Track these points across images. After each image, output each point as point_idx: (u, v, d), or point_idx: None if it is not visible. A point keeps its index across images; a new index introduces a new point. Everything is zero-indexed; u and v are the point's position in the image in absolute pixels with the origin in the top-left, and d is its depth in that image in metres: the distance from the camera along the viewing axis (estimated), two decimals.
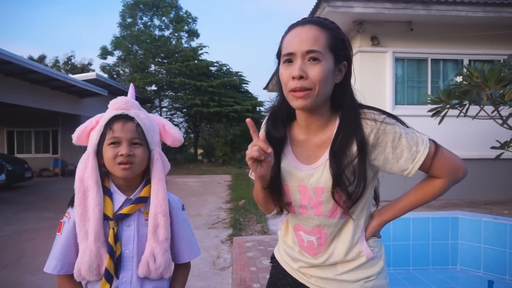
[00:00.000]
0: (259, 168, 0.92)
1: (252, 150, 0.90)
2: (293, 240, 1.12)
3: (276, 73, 1.02)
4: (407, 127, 0.98)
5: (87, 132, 1.13)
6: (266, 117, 1.11)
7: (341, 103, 0.99)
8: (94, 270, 1.02)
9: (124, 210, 1.07)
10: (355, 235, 1.03)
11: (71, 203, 1.10)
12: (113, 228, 1.05)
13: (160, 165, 1.11)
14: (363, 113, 0.97)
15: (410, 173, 0.96)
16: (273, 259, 1.23)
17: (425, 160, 0.94)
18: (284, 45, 0.97)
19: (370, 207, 1.07)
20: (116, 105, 1.10)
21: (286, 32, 0.99)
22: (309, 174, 1.00)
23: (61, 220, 1.11)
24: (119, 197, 1.09)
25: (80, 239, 1.04)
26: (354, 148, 0.94)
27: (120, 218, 1.07)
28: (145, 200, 1.10)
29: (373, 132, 0.94)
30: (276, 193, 1.05)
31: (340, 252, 1.04)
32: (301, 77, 0.91)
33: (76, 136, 1.14)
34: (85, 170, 1.07)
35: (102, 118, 1.11)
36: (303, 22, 0.97)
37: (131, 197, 1.09)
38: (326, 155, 0.98)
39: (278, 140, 1.05)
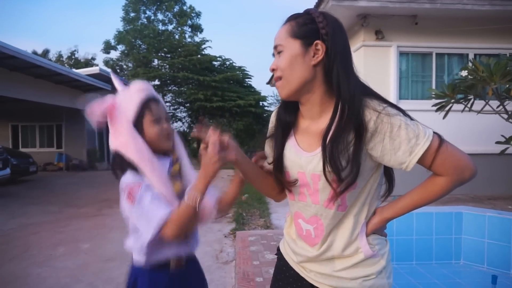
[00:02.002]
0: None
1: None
2: (294, 229, 1.13)
3: None
4: (411, 119, 0.95)
5: (105, 109, 1.21)
6: (280, 103, 1.15)
7: (337, 86, 0.95)
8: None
9: (175, 168, 1.31)
10: (354, 231, 1.02)
11: (124, 165, 1.20)
12: (177, 183, 1.28)
13: (177, 134, 1.37)
14: (364, 100, 0.94)
15: (408, 167, 0.92)
16: (278, 251, 1.24)
17: (425, 154, 0.90)
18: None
19: (374, 204, 1.04)
20: (145, 88, 1.27)
21: None
22: (308, 160, 1.00)
23: (131, 192, 1.15)
24: (165, 161, 1.28)
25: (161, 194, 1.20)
26: (351, 134, 0.92)
27: (175, 175, 1.30)
28: (178, 159, 1.33)
29: (373, 119, 0.91)
30: (280, 175, 1.08)
31: (338, 246, 1.02)
32: (273, 70, 1.01)
33: (99, 112, 1.21)
34: (138, 147, 1.19)
35: (132, 99, 1.22)
36: (284, 23, 1.03)
37: (174, 159, 1.31)
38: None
39: (287, 125, 1.09)
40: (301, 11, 1.02)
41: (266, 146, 1.17)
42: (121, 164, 1.21)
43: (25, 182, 10.73)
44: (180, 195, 1.22)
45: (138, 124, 1.22)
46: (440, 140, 0.92)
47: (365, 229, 1.03)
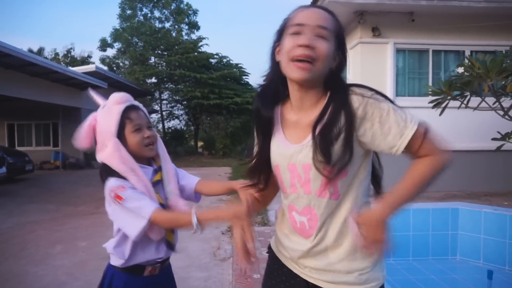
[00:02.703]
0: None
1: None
2: (288, 223, 1.11)
3: (273, 51, 1.05)
4: (397, 106, 0.97)
5: (92, 130, 1.29)
6: (256, 95, 1.12)
7: (331, 86, 1.02)
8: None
9: (157, 177, 1.35)
10: (347, 220, 1.02)
11: (110, 174, 1.26)
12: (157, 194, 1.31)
13: (160, 140, 1.40)
14: (352, 89, 0.98)
15: (398, 150, 0.93)
16: (269, 249, 1.23)
17: (414, 137, 0.91)
18: (293, 19, 0.99)
19: (366, 194, 1.05)
20: (123, 99, 1.30)
21: (294, 11, 1.02)
22: (298, 150, 1.01)
23: (117, 194, 1.20)
24: (148, 170, 1.32)
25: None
26: (342, 120, 0.94)
27: (157, 184, 1.34)
28: (160, 168, 1.37)
29: (361, 105, 0.94)
30: (266, 172, 1.10)
31: (331, 235, 1.02)
32: (307, 47, 0.93)
33: (82, 137, 1.28)
34: (122, 158, 1.24)
35: (111, 112, 1.27)
36: (313, 6, 1.02)
37: (156, 168, 1.36)
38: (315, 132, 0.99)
39: (268, 119, 1.08)
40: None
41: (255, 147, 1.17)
42: (108, 174, 1.25)
43: (22, 181, 10.68)
44: (161, 206, 1.29)
45: (120, 135, 1.26)
46: (425, 126, 0.95)
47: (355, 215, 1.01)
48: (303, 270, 1.08)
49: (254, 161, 1.13)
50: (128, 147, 1.27)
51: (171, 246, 1.35)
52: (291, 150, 1.02)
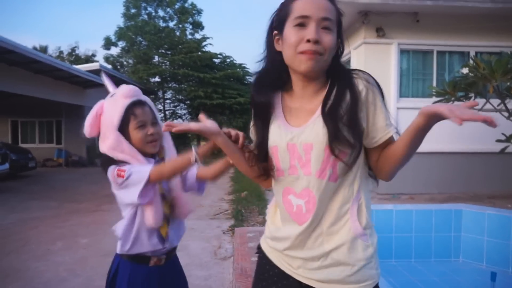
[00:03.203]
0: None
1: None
2: (282, 211, 1.08)
3: (269, 38, 1.06)
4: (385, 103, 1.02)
5: (99, 118, 1.30)
6: (253, 82, 1.12)
7: (332, 72, 1.03)
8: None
9: None
10: (344, 205, 1.00)
11: (112, 164, 1.28)
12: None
13: (168, 134, 1.40)
14: (356, 73, 1.01)
15: (378, 142, 0.99)
16: (259, 249, 1.19)
17: (391, 137, 0.99)
18: (296, 9, 0.97)
19: (366, 184, 1.04)
20: (130, 93, 1.30)
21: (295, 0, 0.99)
22: (299, 132, 1.01)
23: (119, 169, 1.25)
24: (149, 161, 1.33)
25: None
26: (348, 100, 0.97)
27: None
28: (163, 159, 1.37)
29: (364, 89, 0.98)
30: (263, 156, 1.09)
31: (326, 220, 1.00)
32: (317, 42, 0.94)
33: (89, 126, 1.29)
34: (123, 150, 1.26)
35: (117, 105, 1.27)
36: None
37: (158, 159, 1.36)
38: (316, 114, 1.00)
39: (263, 106, 1.08)
40: None
41: (252, 134, 1.17)
42: (109, 163, 1.28)
43: (25, 178, 10.73)
44: (162, 196, 1.33)
45: (123, 129, 1.28)
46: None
47: (357, 204, 1.01)
48: (296, 270, 1.04)
49: (256, 151, 1.11)
50: (131, 142, 1.29)
51: (162, 240, 1.35)
52: (293, 131, 1.02)
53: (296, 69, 0.99)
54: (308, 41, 0.93)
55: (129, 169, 1.22)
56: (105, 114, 1.29)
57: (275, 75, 1.06)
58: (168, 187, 1.38)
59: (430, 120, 0.86)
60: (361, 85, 0.97)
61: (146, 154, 1.33)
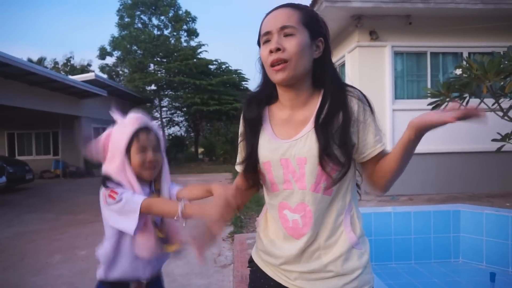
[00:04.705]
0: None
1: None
2: (276, 225, 1.07)
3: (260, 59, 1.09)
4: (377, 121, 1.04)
5: (107, 144, 1.33)
6: (245, 100, 1.16)
7: (323, 79, 1.04)
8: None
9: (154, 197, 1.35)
10: (338, 217, 1.01)
11: (108, 182, 1.29)
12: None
13: (166, 165, 1.42)
14: (348, 90, 1.02)
15: (366, 158, 1.01)
16: (251, 262, 1.18)
17: (380, 153, 1.01)
18: (262, 28, 1.04)
19: (355, 194, 1.07)
20: (138, 121, 1.34)
21: (263, 19, 1.06)
22: (291, 145, 1.02)
23: (112, 190, 1.25)
24: (146, 189, 1.34)
25: None
26: (340, 118, 0.98)
27: None
28: (158, 192, 1.38)
29: (356, 107, 1.00)
30: (251, 172, 1.10)
31: (323, 233, 1.01)
32: (278, 50, 0.97)
33: (99, 152, 1.33)
34: (126, 175, 1.29)
35: (124, 130, 1.31)
36: (277, 7, 1.04)
37: (153, 190, 1.37)
38: (308, 127, 1.01)
39: (253, 121, 1.10)
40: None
41: (240, 149, 1.16)
42: (108, 181, 1.29)
43: (22, 190, 10.66)
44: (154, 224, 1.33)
45: (126, 152, 1.31)
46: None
47: (350, 214, 1.03)
48: (294, 281, 1.03)
49: (245, 162, 1.11)
50: (130, 165, 1.32)
51: (164, 240, 1.35)
52: (284, 145, 1.02)
53: (273, 81, 1.03)
54: (271, 52, 0.98)
55: (121, 193, 1.23)
56: (114, 139, 1.33)
57: (269, 90, 1.10)
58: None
59: (420, 132, 0.90)
60: (354, 104, 1.00)
61: (142, 179, 1.34)
